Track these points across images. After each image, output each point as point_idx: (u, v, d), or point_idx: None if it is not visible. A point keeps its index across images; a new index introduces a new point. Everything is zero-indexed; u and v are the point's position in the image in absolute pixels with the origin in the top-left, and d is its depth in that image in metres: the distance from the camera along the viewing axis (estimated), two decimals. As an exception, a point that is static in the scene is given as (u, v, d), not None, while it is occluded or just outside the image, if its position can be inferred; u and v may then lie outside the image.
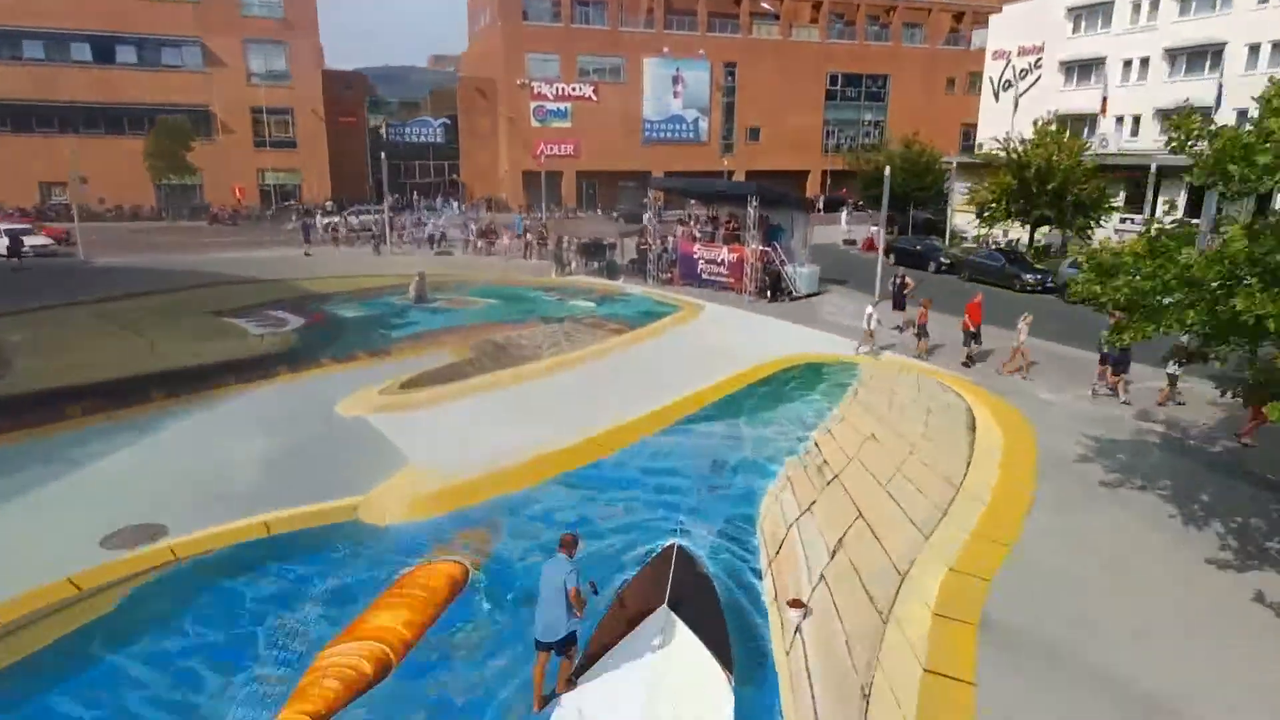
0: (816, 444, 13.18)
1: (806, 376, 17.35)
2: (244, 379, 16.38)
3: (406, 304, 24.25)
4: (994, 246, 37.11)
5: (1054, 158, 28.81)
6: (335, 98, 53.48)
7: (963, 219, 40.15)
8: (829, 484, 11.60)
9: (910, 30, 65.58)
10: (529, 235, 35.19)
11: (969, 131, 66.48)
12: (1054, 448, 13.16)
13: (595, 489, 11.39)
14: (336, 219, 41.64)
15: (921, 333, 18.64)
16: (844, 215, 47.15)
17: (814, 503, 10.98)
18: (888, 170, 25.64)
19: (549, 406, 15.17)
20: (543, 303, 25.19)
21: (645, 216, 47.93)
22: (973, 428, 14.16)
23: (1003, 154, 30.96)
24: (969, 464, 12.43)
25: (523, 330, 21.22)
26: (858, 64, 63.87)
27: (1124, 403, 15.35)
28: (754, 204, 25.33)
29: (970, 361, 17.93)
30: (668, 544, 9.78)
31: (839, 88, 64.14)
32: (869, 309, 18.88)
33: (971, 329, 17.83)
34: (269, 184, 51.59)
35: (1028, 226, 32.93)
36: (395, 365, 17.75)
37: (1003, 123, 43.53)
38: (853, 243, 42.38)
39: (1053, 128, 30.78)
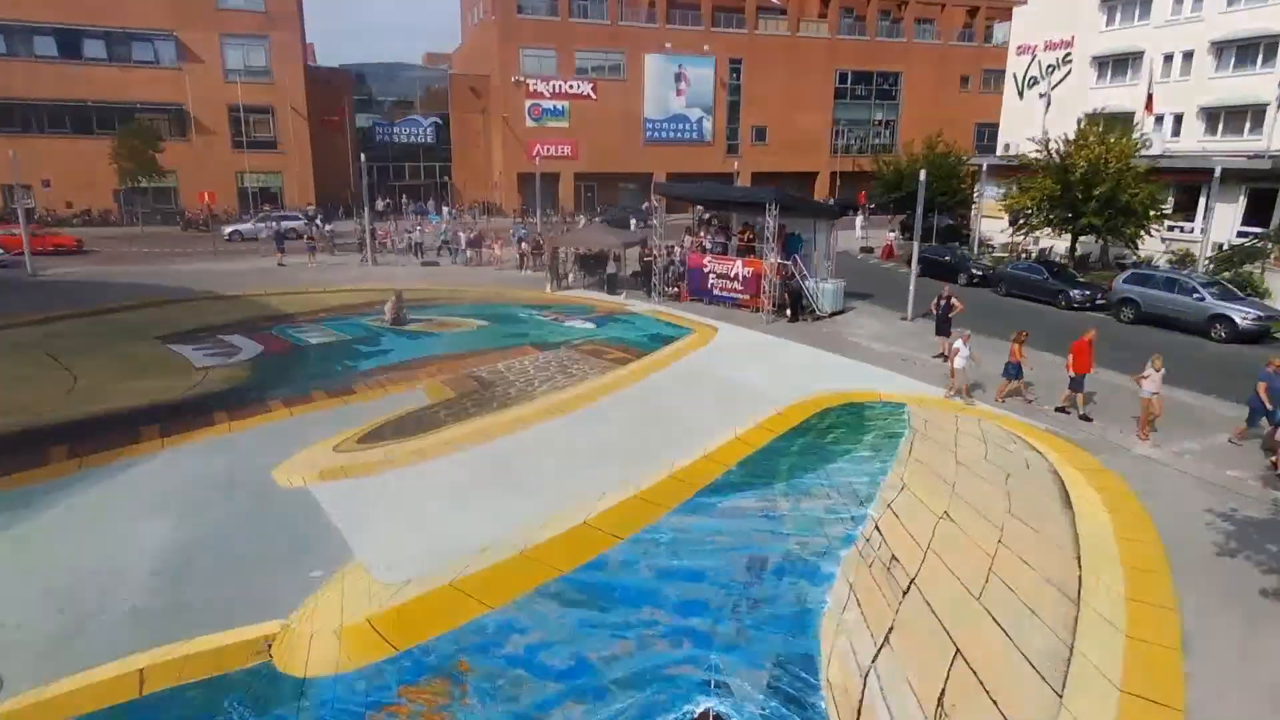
0: (878, 528, 10.36)
1: (847, 423, 14.54)
2: (170, 431, 13.52)
3: (381, 327, 21.43)
4: (1024, 255, 34.41)
5: (1102, 160, 25.98)
6: (320, 96, 50.66)
7: (990, 226, 37.43)
8: (905, 595, 8.79)
9: (923, 25, 62.83)
10: (524, 244, 32.36)
11: (984, 131, 63.82)
12: (1179, 532, 10.36)
13: (596, 605, 8.56)
14: (243, 227, 38.89)
15: (1014, 373, 15.59)
16: (858, 220, 44.34)
17: (891, 630, 8.16)
18: (923, 175, 22.93)
19: (539, 469, 12.34)
20: (536, 324, 22.37)
21: (633, 222, 45.26)
22: (1067, 500, 11.36)
23: (1042, 156, 28.15)
24: (1079, 561, 9.62)
25: (511, 359, 18.40)
26: (868, 61, 61.13)
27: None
28: (773, 212, 22.53)
29: (1078, 414, 14.85)
30: (700, 711, 6.96)
31: (849, 85, 61.39)
32: (958, 344, 15.65)
33: (1076, 374, 14.73)
34: (249, 186, 48.67)
35: (1066, 235, 30.11)
36: (357, 409, 14.92)
37: (1028, 122, 40.83)
38: (869, 250, 39.65)
39: (1099, 126, 27.89)
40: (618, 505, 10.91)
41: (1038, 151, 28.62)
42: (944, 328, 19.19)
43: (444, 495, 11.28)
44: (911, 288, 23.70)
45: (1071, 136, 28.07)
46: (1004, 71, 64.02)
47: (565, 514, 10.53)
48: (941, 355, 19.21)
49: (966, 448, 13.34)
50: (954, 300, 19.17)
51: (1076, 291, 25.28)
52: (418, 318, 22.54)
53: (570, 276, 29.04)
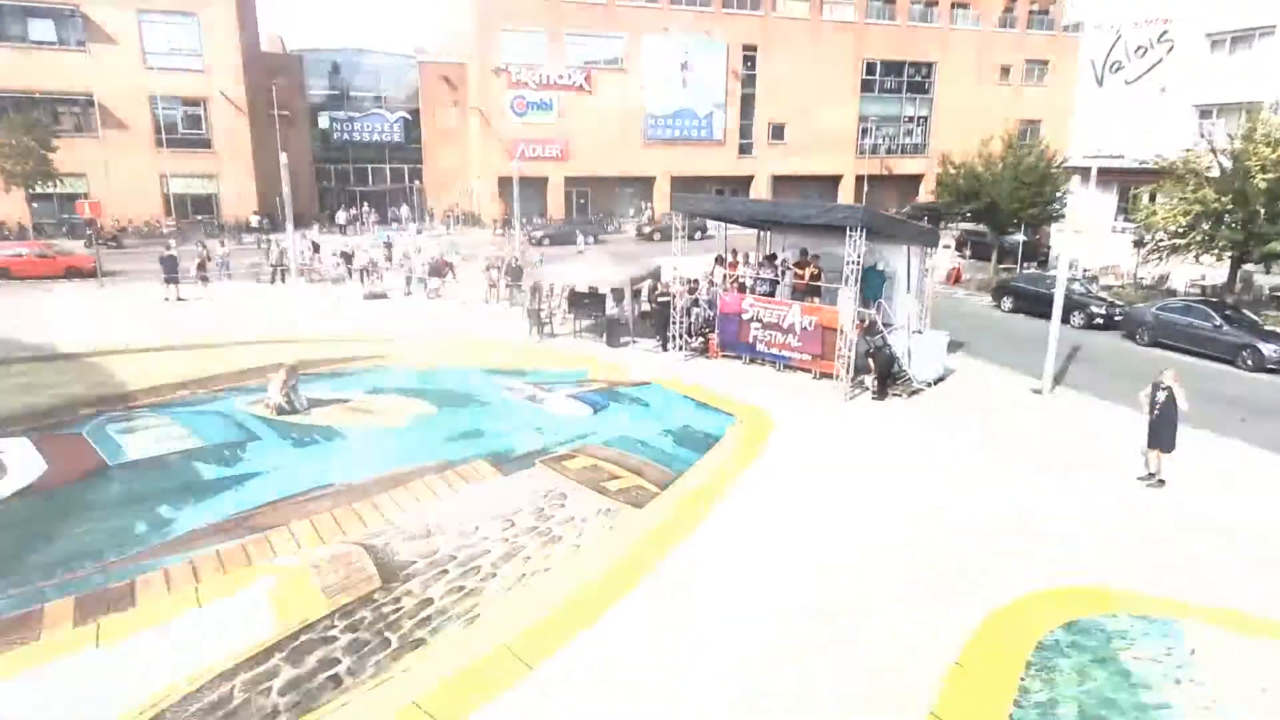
0: None
1: (1100, 689, 7.06)
2: None
3: (261, 418, 13.86)
4: (1140, 285, 27.09)
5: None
6: (266, 87, 42.89)
7: (1074, 244, 30.07)
8: None
9: (960, 10, 55.51)
10: (492, 271, 24.80)
11: (1026, 129, 56.50)
12: None
13: None
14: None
15: None
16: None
17: None
18: (1076, 182, 15.51)
19: None
20: (502, 410, 14.77)
21: (581, 240, 37.49)
22: None
23: (1200, 158, 20.80)
24: None
25: (449, 504, 10.84)
26: (899, 49, 53.72)
27: None
28: (858, 237, 15.08)
29: None
30: None
31: (877, 77, 53.96)
32: None
33: None
34: (178, 193, 40.88)
35: (1210, 260, 22.78)
36: (111, 659, 7.35)
37: (1112, 115, 33.60)
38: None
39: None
40: None
41: (1189, 151, 21.25)
42: (1164, 439, 11.74)
43: None
44: (1051, 345, 16.27)
45: (1234, 132, 20.76)
46: (1047, 62, 57.67)
47: None
48: (1154, 476, 11.86)
49: None
50: (1177, 391, 11.69)
51: (1271, 348, 17.87)
52: (326, 397, 14.98)
53: (556, 318, 21.55)
